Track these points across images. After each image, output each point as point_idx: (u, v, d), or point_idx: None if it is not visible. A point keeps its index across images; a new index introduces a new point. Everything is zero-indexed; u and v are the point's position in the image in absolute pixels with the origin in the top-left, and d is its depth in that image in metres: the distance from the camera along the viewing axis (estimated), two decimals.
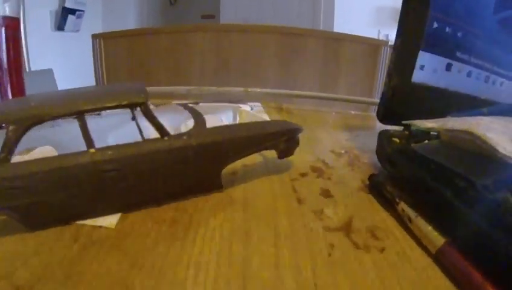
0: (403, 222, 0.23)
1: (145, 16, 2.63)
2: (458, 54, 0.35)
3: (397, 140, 0.32)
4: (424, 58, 0.33)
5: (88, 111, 0.21)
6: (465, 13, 0.34)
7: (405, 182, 0.29)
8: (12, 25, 0.52)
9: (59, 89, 2.07)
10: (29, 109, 0.21)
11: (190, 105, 0.35)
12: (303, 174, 0.29)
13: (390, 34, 2.16)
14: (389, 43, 1.30)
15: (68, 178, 0.20)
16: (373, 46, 1.23)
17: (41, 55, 2.01)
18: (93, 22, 2.41)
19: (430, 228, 0.21)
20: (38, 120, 0.20)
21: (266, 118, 0.51)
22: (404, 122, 0.30)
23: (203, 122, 0.26)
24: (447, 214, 0.22)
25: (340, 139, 0.41)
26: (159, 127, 0.22)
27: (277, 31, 1.24)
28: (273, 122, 0.28)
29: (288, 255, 0.19)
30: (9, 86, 0.50)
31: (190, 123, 0.27)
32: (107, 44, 1.36)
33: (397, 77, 0.32)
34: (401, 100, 0.33)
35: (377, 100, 0.64)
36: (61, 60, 2.15)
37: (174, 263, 0.18)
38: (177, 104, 0.34)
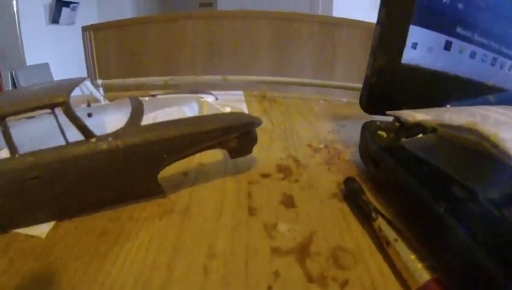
0: (380, 243, 0.18)
1: (142, 6, 2.58)
2: (459, 29, 0.29)
3: (384, 134, 0.27)
4: (416, 34, 0.27)
5: (9, 115, 0.19)
6: None
7: (389, 187, 0.24)
8: None
9: None
10: None
11: (145, 99, 0.30)
12: (265, 176, 0.24)
13: None
14: None
15: None
16: (371, 30, 1.17)
17: (37, 48, 1.99)
18: (89, 14, 2.39)
19: (413, 257, 0.16)
20: None
21: (244, 108, 0.45)
22: (388, 112, 0.25)
23: (138, 119, 0.23)
24: (438, 236, 0.17)
25: (322, 131, 0.35)
26: (82, 129, 0.20)
27: (270, 16, 1.19)
28: (225, 116, 0.23)
29: (216, 286, 0.14)
30: None
31: (151, 116, 0.25)
32: (97, 36, 1.34)
33: (383, 56, 0.26)
34: (388, 85, 0.28)
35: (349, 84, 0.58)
36: (56, 53, 2.14)
37: (90, 281, 0.16)
38: (128, 97, 0.29)
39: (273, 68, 1.21)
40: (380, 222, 0.19)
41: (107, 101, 0.32)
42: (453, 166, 0.20)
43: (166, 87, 0.60)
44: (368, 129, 0.28)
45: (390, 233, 0.18)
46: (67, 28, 2.24)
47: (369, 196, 0.21)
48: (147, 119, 0.25)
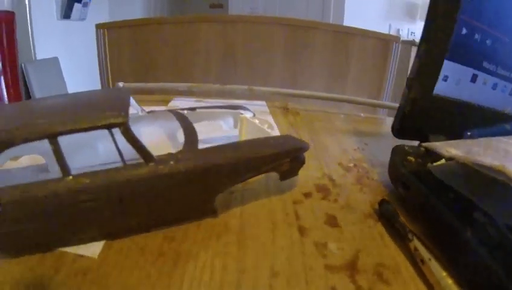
0: (414, 261, 0.20)
1: (152, 5, 2.60)
2: (485, 64, 0.31)
3: (412, 159, 0.29)
4: (448, 68, 0.29)
5: (62, 134, 0.19)
6: (496, 18, 0.30)
7: (419, 209, 0.26)
8: (7, 19, 0.50)
9: (64, 77, 2.06)
10: None
11: (184, 112, 0.32)
12: (307, 195, 0.26)
13: (401, 28, 2.10)
14: (401, 39, 1.25)
15: (43, 207, 0.19)
16: (383, 41, 1.19)
17: (47, 43, 2.00)
18: (100, 11, 2.40)
19: (444, 274, 0.18)
20: (7, 145, 0.18)
21: (270, 120, 0.47)
22: (423, 144, 0.27)
23: (195, 141, 0.24)
24: (464, 256, 0.19)
25: (348, 149, 0.37)
26: (142, 151, 0.20)
27: (285, 23, 1.20)
28: (276, 140, 0.24)
29: None
30: (3, 80, 0.48)
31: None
32: (111, 34, 1.35)
33: (418, 88, 0.28)
34: (419, 114, 0.30)
35: (387, 103, 0.61)
36: (67, 49, 2.14)
37: None
38: (169, 111, 0.31)
39: (286, 75, 1.23)
40: (416, 243, 0.21)
41: (143, 113, 0.33)
42: (476, 193, 0.23)
43: (190, 94, 0.62)
44: (397, 154, 0.30)
45: (424, 253, 0.20)
46: (78, 24, 2.25)
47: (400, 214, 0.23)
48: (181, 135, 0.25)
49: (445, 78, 0.30)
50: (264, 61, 1.22)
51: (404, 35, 2.03)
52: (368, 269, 0.19)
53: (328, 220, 0.23)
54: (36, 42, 1.92)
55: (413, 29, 2.04)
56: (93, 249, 0.20)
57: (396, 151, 0.30)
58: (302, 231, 0.22)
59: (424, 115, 0.30)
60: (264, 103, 0.55)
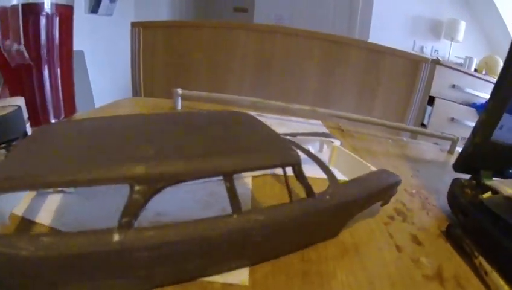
0: (479, 273, 0.27)
1: (177, 6, 2.63)
2: None
3: (469, 191, 0.36)
4: (505, 119, 0.36)
5: (237, 172, 0.20)
6: None
7: (475, 232, 0.33)
8: (66, 13, 0.54)
9: (88, 70, 2.11)
10: (161, 165, 0.18)
11: (287, 137, 0.38)
12: (391, 218, 0.33)
13: (425, 45, 2.15)
14: (430, 60, 1.31)
15: (208, 246, 0.19)
16: (413, 62, 1.24)
17: (74, 36, 2.01)
18: (126, 7, 2.43)
19: (502, 282, 0.25)
20: (175, 181, 0.18)
21: (337, 143, 0.53)
22: (486, 182, 0.34)
23: (333, 173, 0.27)
24: None
25: (406, 176, 0.44)
26: (308, 188, 0.23)
27: (322, 38, 1.24)
28: (381, 174, 0.30)
29: None
30: (59, 74, 0.53)
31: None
32: (146, 33, 1.36)
33: (481, 135, 0.35)
34: (477, 154, 0.37)
35: (430, 132, 0.66)
36: (93, 43, 2.18)
37: None
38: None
39: (319, 89, 1.28)
40: (480, 259, 0.28)
41: None
42: None
43: (253, 109, 0.65)
44: (456, 186, 0.37)
45: (487, 267, 0.27)
46: (105, 19, 2.31)
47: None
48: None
49: (501, 127, 0.37)
50: (298, 73, 1.27)
51: (428, 53, 2.07)
52: (450, 278, 0.26)
53: (413, 239, 0.30)
54: None
55: (437, 47, 2.09)
56: (240, 277, 0.20)
57: (455, 184, 0.37)
58: (398, 248, 0.29)
59: (480, 155, 0.37)
60: (320, 122, 0.62)
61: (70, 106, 0.56)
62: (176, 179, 0.18)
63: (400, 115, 1.33)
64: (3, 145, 0.34)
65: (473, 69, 1.90)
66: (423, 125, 1.65)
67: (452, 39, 2.06)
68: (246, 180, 0.35)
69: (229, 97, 0.65)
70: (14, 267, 0.15)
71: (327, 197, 0.24)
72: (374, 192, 0.28)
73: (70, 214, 0.26)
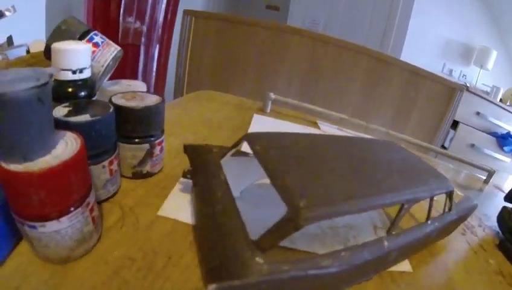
0: None
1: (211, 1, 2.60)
2: None
3: None
4: None
5: (408, 202, 0.24)
6: None
7: None
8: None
9: None
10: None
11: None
12: (464, 230, 0.44)
13: (455, 69, 2.21)
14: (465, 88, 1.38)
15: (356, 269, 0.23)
16: (450, 88, 1.33)
17: None
18: None
19: None
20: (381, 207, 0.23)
21: None
22: None
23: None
24: None
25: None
26: (449, 207, 0.32)
27: (369, 54, 1.28)
28: (468, 199, 0.39)
29: None
30: (157, 52, 0.58)
31: None
32: (197, 23, 1.39)
33: None
34: None
35: (470, 161, 0.76)
36: None
37: None
38: None
39: (359, 102, 1.35)
40: None
41: None
42: None
43: (337, 123, 0.71)
44: (506, 212, 0.48)
45: None
46: None
47: None
48: None
49: None
50: (343, 84, 1.35)
51: (456, 76, 2.11)
52: (507, 275, 0.36)
53: (481, 247, 0.41)
54: None
55: (465, 72, 2.12)
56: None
57: (504, 210, 0.48)
58: (474, 252, 0.40)
59: None
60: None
61: (160, 91, 0.59)
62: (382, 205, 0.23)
63: (429, 136, 1.41)
64: (145, 140, 0.32)
65: (498, 99, 1.94)
66: (443, 147, 1.72)
67: (481, 66, 2.09)
68: None
69: (318, 109, 0.69)
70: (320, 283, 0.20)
71: (454, 211, 0.33)
72: (470, 212, 0.38)
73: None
